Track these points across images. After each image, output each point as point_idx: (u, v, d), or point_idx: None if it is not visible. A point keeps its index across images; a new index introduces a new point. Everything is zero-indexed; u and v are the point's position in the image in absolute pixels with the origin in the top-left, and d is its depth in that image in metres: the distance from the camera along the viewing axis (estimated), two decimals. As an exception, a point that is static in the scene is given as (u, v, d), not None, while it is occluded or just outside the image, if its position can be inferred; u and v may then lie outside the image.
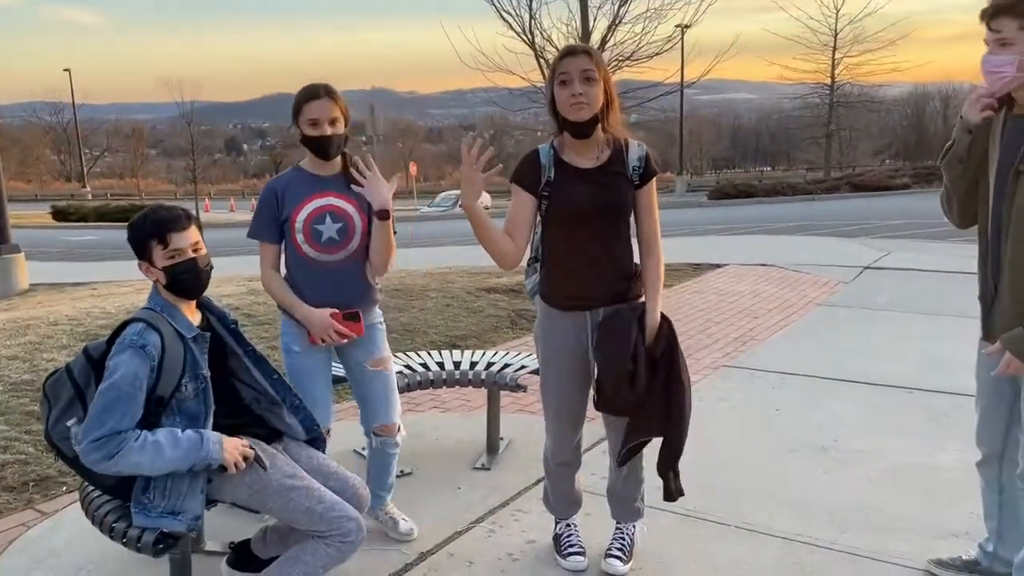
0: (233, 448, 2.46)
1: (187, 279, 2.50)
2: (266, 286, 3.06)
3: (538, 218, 2.83)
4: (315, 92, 2.92)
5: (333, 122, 2.92)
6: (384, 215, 2.96)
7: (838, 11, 38.54)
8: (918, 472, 3.85)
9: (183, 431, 2.43)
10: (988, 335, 2.58)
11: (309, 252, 2.98)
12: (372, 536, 3.15)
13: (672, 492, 2.93)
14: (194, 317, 2.59)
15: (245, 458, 2.48)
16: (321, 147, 2.94)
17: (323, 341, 3.00)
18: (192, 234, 2.51)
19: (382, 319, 3.25)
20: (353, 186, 2.95)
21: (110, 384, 2.34)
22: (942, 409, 4.69)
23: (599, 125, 2.69)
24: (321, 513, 2.50)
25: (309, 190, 2.98)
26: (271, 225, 3.00)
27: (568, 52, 2.69)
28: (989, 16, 2.35)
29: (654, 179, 2.82)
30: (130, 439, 2.33)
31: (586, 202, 2.71)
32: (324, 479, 2.65)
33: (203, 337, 2.54)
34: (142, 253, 2.49)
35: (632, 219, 2.82)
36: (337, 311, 2.99)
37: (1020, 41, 2.31)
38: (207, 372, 2.52)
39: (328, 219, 2.97)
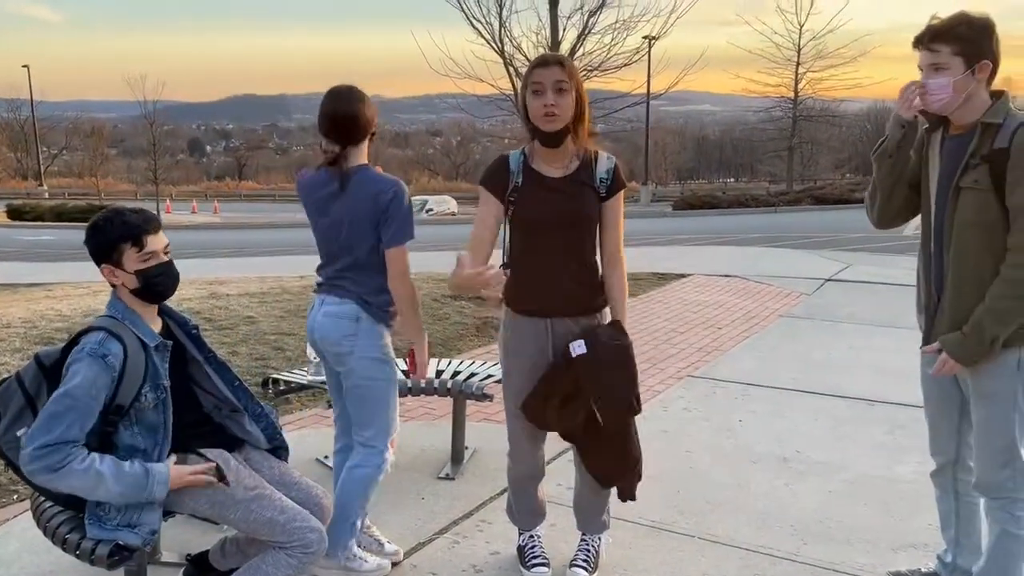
0: (181, 482, 2.40)
1: (162, 282, 2.46)
2: (414, 290, 2.97)
3: (506, 223, 2.84)
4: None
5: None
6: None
7: (801, 27, 39.24)
8: (878, 484, 3.90)
9: (132, 462, 2.35)
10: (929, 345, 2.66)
11: None
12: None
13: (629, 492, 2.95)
14: (155, 324, 2.54)
15: (215, 473, 2.44)
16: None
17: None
18: (163, 237, 2.48)
19: None
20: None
21: (64, 391, 2.27)
22: (901, 421, 4.76)
23: (569, 135, 2.70)
24: (283, 524, 2.46)
25: None
26: None
27: (541, 62, 2.69)
28: (924, 42, 2.45)
29: (621, 192, 2.82)
30: (75, 457, 2.26)
31: (550, 212, 2.72)
32: (286, 489, 2.61)
33: (165, 346, 2.49)
34: (108, 257, 2.41)
35: (597, 230, 2.83)
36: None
37: (954, 65, 2.41)
38: (167, 382, 2.47)
39: None
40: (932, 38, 2.43)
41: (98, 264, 2.45)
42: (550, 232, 2.74)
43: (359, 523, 3.04)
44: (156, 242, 2.44)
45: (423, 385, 3.96)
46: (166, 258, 2.47)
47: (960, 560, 2.83)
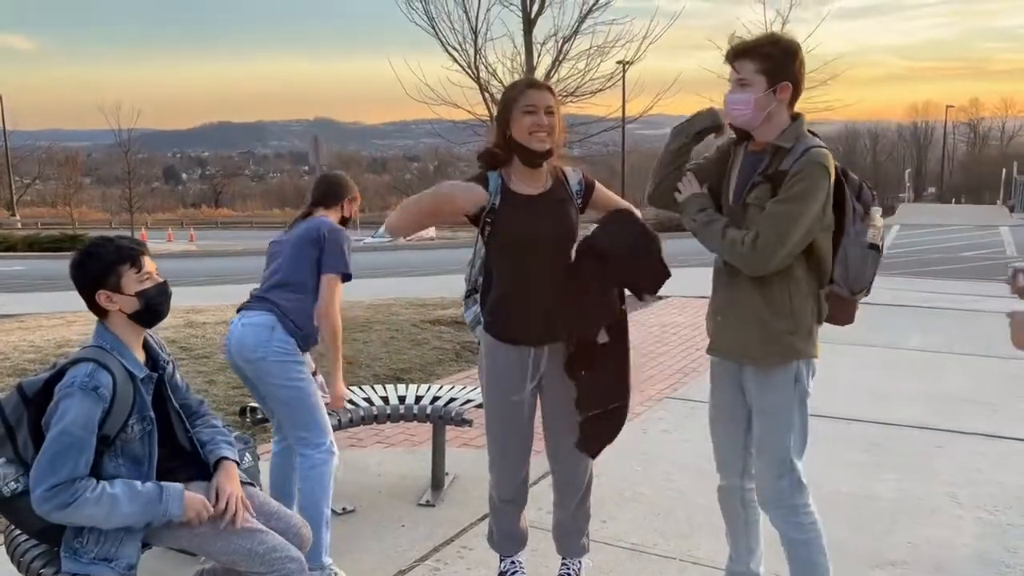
0: (194, 503, 2.38)
1: (163, 301, 2.49)
2: (339, 326, 3.23)
3: (480, 247, 2.84)
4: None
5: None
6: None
7: (772, 51, 39.80)
8: (856, 502, 3.93)
9: (142, 483, 2.35)
10: (714, 348, 2.75)
11: None
12: None
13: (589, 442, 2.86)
14: (141, 354, 2.52)
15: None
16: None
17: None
18: (151, 260, 2.50)
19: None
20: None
21: (61, 429, 2.24)
22: (878, 440, 4.81)
23: (549, 158, 2.76)
24: (262, 555, 2.44)
25: None
26: None
27: (534, 84, 2.80)
28: (732, 58, 2.54)
29: (597, 184, 2.92)
30: (86, 489, 2.25)
31: (536, 227, 2.73)
32: (265, 519, 2.59)
33: (151, 378, 2.48)
34: (104, 282, 2.39)
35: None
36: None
37: (757, 83, 2.49)
38: (153, 413, 2.45)
39: None
40: (738, 55, 2.51)
41: (92, 292, 2.40)
42: (536, 251, 2.73)
43: (328, 522, 3.18)
44: (150, 263, 2.47)
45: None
46: (160, 279, 2.49)
47: (753, 566, 2.93)
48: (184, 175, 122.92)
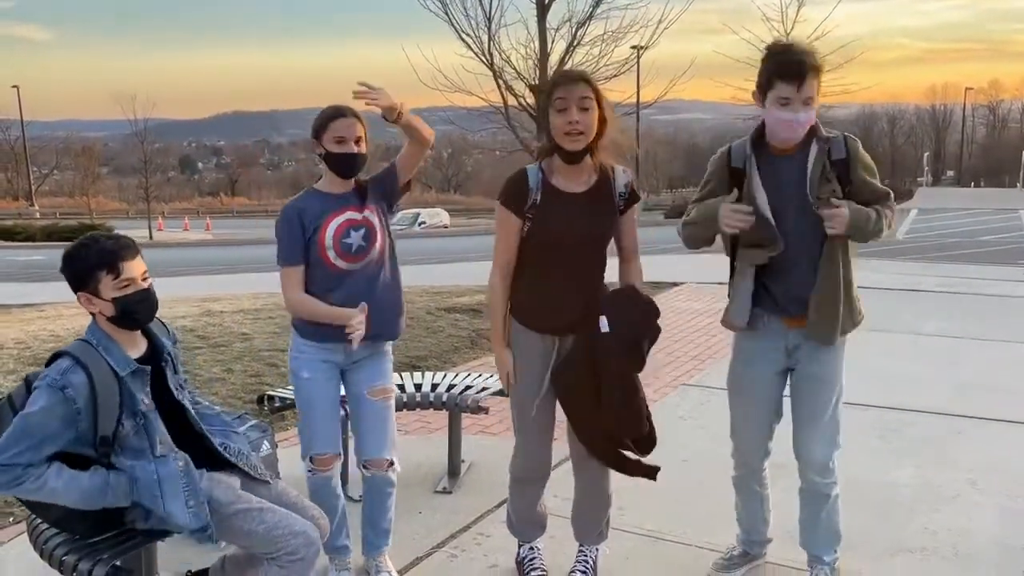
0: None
1: (139, 310, 2.42)
2: (298, 307, 2.96)
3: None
4: (340, 111, 2.92)
5: (358, 141, 2.92)
6: (393, 115, 2.89)
7: (788, 34, 39.42)
8: (874, 489, 3.91)
9: (94, 473, 2.36)
10: (815, 331, 2.79)
11: (342, 264, 2.94)
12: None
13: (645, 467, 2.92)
14: (137, 348, 2.49)
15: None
16: (346, 164, 2.92)
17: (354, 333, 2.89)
18: (141, 262, 2.43)
19: (390, 348, 3.22)
20: (366, 102, 2.84)
21: (22, 415, 2.29)
22: (894, 426, 4.78)
23: (590, 152, 2.70)
24: (263, 534, 2.43)
25: (328, 208, 2.94)
26: (298, 247, 2.93)
27: (563, 78, 2.71)
28: (804, 75, 2.54)
29: (637, 204, 2.87)
30: (28, 477, 2.26)
31: (572, 230, 2.71)
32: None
33: (143, 371, 2.44)
34: (85, 284, 2.37)
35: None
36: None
37: (816, 98, 2.60)
38: (146, 407, 2.43)
39: (351, 232, 2.95)
40: (812, 71, 2.54)
41: (75, 292, 2.40)
42: (569, 249, 2.73)
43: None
44: (133, 268, 2.39)
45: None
46: (144, 284, 2.42)
47: (768, 534, 3.18)
48: (200, 164, 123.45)
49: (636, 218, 2.90)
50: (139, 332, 2.51)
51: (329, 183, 2.98)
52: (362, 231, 2.96)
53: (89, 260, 2.36)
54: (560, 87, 2.64)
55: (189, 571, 2.89)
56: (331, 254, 2.92)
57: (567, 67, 10.21)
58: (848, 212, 2.61)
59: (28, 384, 2.45)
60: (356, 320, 2.86)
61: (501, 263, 2.81)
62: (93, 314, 2.43)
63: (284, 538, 2.43)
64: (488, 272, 2.91)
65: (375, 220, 3.00)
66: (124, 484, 2.39)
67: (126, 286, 2.38)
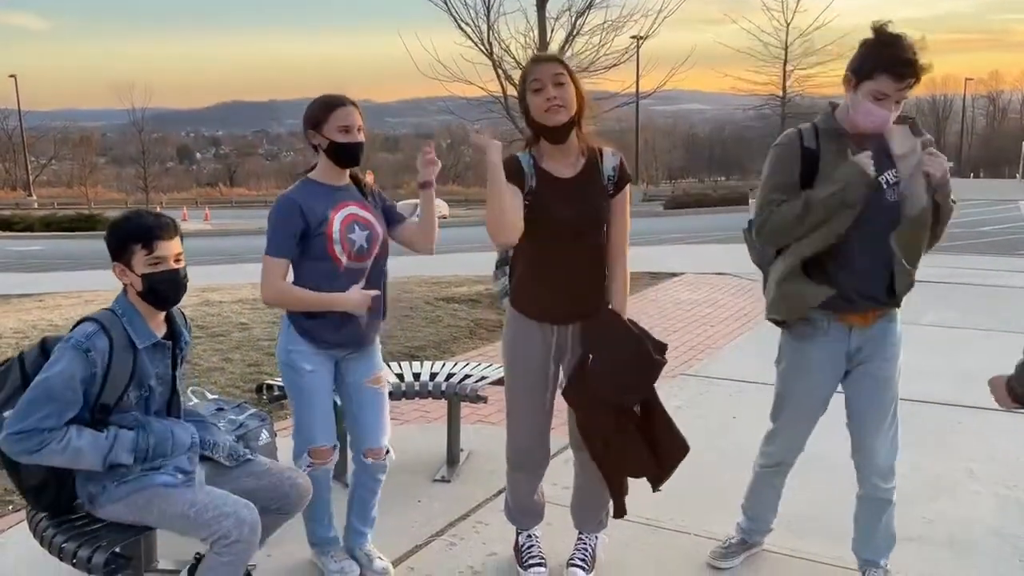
0: None
1: (165, 289, 2.46)
2: (280, 296, 2.86)
3: None
4: (341, 100, 2.86)
5: (359, 130, 2.88)
6: (427, 185, 2.92)
7: (788, 24, 39.33)
8: (872, 478, 3.91)
9: (108, 432, 2.40)
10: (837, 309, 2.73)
11: (345, 262, 2.87)
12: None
13: (623, 509, 2.95)
14: (159, 327, 2.54)
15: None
16: (351, 154, 2.86)
17: (369, 310, 2.91)
18: (177, 244, 2.46)
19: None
20: (421, 165, 2.90)
21: (44, 378, 2.30)
22: (894, 415, 4.78)
23: (574, 131, 2.69)
24: (194, 517, 2.41)
25: (333, 200, 2.88)
26: (292, 240, 2.83)
27: (537, 59, 2.74)
28: (912, 75, 2.48)
29: (628, 187, 2.84)
30: (52, 440, 2.29)
31: (567, 217, 2.69)
32: (256, 479, 2.63)
33: (163, 345, 2.49)
34: (120, 255, 2.43)
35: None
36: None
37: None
38: (154, 382, 2.47)
39: (356, 228, 2.89)
40: (919, 76, 2.49)
41: (112, 261, 2.47)
42: (565, 237, 2.72)
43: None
44: (167, 248, 2.43)
45: (416, 389, 3.97)
46: (176, 266, 2.45)
47: (773, 524, 3.20)
48: (198, 154, 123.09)
49: (629, 204, 2.86)
50: (162, 315, 2.54)
51: (326, 174, 2.91)
52: (366, 232, 2.91)
53: (128, 232, 2.42)
54: (533, 70, 2.67)
55: (197, 554, 2.89)
56: (337, 248, 2.85)
57: (566, 56, 10.19)
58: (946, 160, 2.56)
59: (43, 346, 2.48)
60: (361, 304, 2.86)
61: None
62: (125, 285, 2.47)
63: (215, 520, 2.39)
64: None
65: (378, 226, 2.96)
66: (128, 441, 2.42)
67: (156, 263, 2.41)
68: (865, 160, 2.56)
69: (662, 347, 2.80)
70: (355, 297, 2.87)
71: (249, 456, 2.73)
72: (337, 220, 2.86)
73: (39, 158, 65.10)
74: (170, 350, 2.52)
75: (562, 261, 2.74)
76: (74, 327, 2.43)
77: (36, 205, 45.68)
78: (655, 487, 2.89)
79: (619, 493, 2.89)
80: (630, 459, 2.80)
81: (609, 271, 2.84)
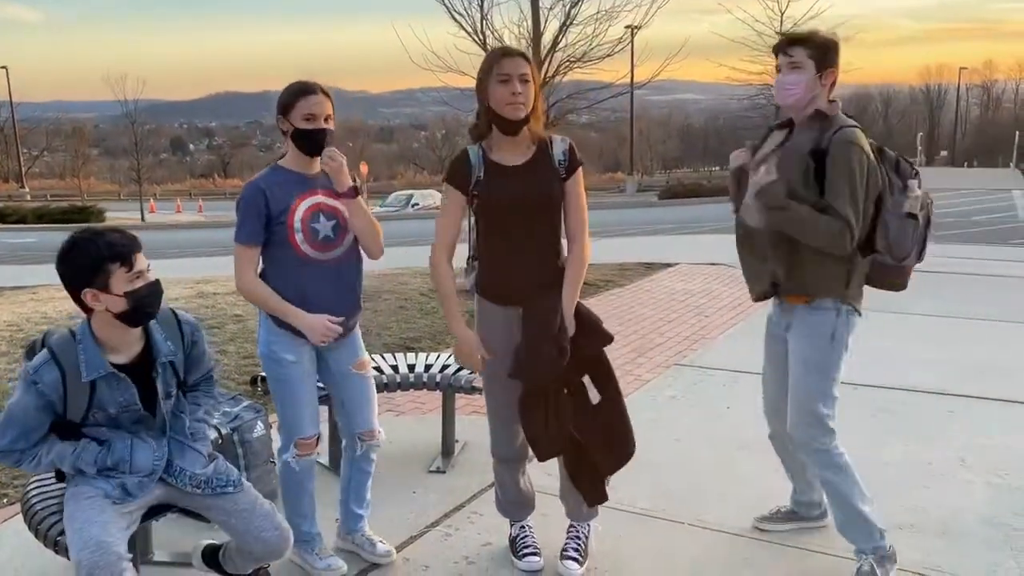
0: None
1: (151, 303, 2.39)
2: (250, 292, 2.86)
3: (472, 217, 2.90)
4: (311, 88, 2.86)
5: (327, 119, 2.87)
6: (351, 193, 2.89)
7: (783, 14, 39.25)
8: (863, 467, 3.92)
9: (76, 446, 2.45)
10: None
11: (309, 252, 2.86)
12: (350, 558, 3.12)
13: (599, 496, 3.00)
14: (130, 351, 2.44)
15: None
16: (314, 141, 2.85)
17: (323, 342, 2.91)
18: (144, 256, 2.39)
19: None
20: (324, 168, 2.88)
21: (8, 405, 2.38)
22: (883, 405, 4.81)
23: (527, 125, 2.76)
24: (66, 528, 2.41)
25: (299, 188, 2.87)
26: (259, 226, 2.82)
27: (507, 53, 2.77)
28: (785, 45, 2.82)
29: (580, 170, 2.88)
30: (26, 459, 2.41)
31: (517, 195, 2.77)
32: (226, 515, 2.56)
33: (115, 377, 2.39)
34: (93, 279, 2.29)
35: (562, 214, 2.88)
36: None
37: (807, 66, 2.79)
38: (115, 410, 2.42)
39: (322, 217, 2.88)
40: (792, 43, 2.82)
41: (78, 289, 2.31)
42: (517, 217, 2.80)
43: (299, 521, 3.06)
44: (142, 260, 2.36)
45: (412, 380, 3.98)
46: (152, 277, 2.39)
47: (816, 496, 3.33)
48: (191, 146, 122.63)
49: (581, 188, 2.89)
50: (139, 332, 2.45)
51: (295, 161, 2.91)
52: (333, 222, 2.90)
53: (100, 253, 2.29)
54: (505, 60, 2.73)
55: (208, 544, 2.89)
56: (298, 237, 2.84)
57: (560, 47, 10.17)
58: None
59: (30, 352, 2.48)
60: (320, 335, 2.87)
61: (445, 242, 2.87)
62: (90, 311, 2.36)
63: (71, 544, 2.32)
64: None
65: (346, 213, 2.94)
66: (91, 455, 2.44)
67: (137, 279, 2.34)
68: (736, 152, 3.00)
69: (603, 339, 2.89)
70: (316, 324, 2.86)
71: (229, 491, 2.57)
72: (300, 209, 2.85)
73: (31, 150, 64.78)
74: (128, 382, 2.41)
75: (518, 244, 2.81)
76: (41, 340, 2.42)
77: (29, 197, 45.48)
78: (603, 476, 2.98)
79: (587, 483, 2.97)
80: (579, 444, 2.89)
81: (566, 255, 2.89)
